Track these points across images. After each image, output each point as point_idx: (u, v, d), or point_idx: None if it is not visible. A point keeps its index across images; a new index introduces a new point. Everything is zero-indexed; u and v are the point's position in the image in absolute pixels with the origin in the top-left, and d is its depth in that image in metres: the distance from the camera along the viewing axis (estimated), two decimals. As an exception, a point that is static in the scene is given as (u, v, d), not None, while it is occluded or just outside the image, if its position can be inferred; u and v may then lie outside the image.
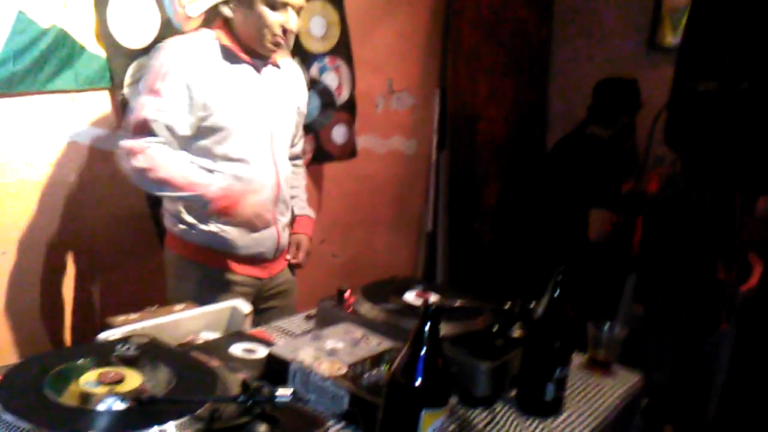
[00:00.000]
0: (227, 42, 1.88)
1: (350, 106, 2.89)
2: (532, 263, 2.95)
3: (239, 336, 1.51)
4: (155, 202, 2.16)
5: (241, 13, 1.86)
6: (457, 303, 1.55)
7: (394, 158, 3.36)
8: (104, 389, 0.99)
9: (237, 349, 1.43)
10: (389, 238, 3.45)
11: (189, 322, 1.56)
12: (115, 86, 2.13)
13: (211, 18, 2.30)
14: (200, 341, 1.48)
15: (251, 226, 1.90)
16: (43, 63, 1.97)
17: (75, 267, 2.21)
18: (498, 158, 3.59)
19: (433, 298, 1.59)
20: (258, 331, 1.64)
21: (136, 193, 2.16)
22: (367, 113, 3.07)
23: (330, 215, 3.07)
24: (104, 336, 1.35)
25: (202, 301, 1.73)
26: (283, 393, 0.95)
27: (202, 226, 1.92)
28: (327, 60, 2.75)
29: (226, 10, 1.89)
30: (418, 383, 0.89)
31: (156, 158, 1.78)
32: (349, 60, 2.82)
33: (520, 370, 1.35)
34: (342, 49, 2.78)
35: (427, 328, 0.91)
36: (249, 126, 1.91)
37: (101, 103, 2.14)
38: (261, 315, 2.01)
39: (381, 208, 3.38)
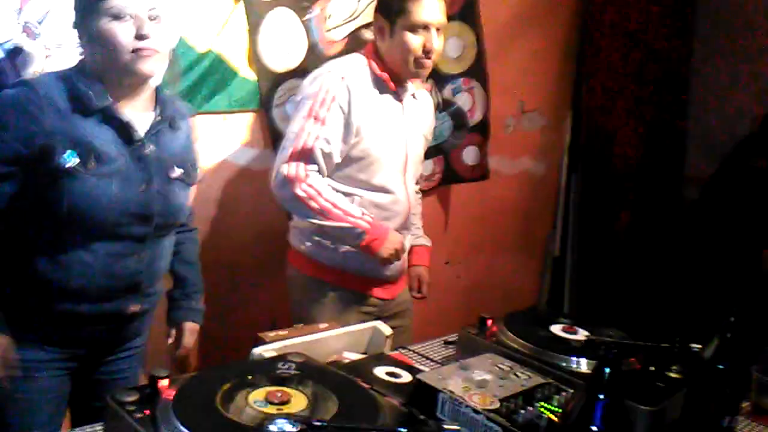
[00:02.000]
0: (378, 70, 1.92)
1: (483, 127, 2.87)
2: (679, 298, 2.81)
3: (382, 358, 1.52)
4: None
5: (386, 41, 1.90)
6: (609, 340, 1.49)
7: (522, 180, 3.30)
8: (273, 409, 1.01)
9: (381, 372, 1.43)
10: (514, 262, 3.38)
11: (333, 341, 1.58)
12: (263, 108, 2.23)
13: (353, 42, 2.37)
14: (346, 361, 1.50)
15: (386, 263, 1.92)
16: (200, 85, 2.09)
17: (216, 281, 2.31)
18: (634, 182, 3.43)
19: (582, 333, 1.53)
20: (397, 354, 1.64)
21: (278, 212, 2.23)
22: (497, 134, 3.03)
23: (456, 236, 3.06)
24: (258, 351, 1.39)
25: (324, 321, 1.74)
26: (451, 428, 0.93)
27: (332, 247, 1.95)
28: (461, 81, 2.75)
29: (368, 34, 1.94)
30: (595, 431, 0.85)
31: (316, 187, 1.83)
32: (483, 81, 2.80)
33: (682, 416, 1.27)
34: (477, 71, 2.77)
35: (606, 372, 0.86)
36: (389, 154, 1.95)
37: (250, 123, 2.24)
38: None
39: (507, 230, 3.32)
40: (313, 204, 1.83)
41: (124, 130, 1.45)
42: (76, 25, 1.46)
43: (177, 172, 1.55)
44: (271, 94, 2.23)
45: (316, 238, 1.97)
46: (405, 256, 2.07)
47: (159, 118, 1.52)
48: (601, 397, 0.85)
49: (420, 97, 2.09)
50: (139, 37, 1.40)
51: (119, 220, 1.45)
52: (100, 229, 1.45)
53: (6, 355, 1.43)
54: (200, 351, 2.28)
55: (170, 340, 1.77)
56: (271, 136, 2.26)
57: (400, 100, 1.98)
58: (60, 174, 1.38)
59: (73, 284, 1.46)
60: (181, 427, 0.96)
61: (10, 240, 1.48)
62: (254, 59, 2.17)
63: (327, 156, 1.86)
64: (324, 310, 1.97)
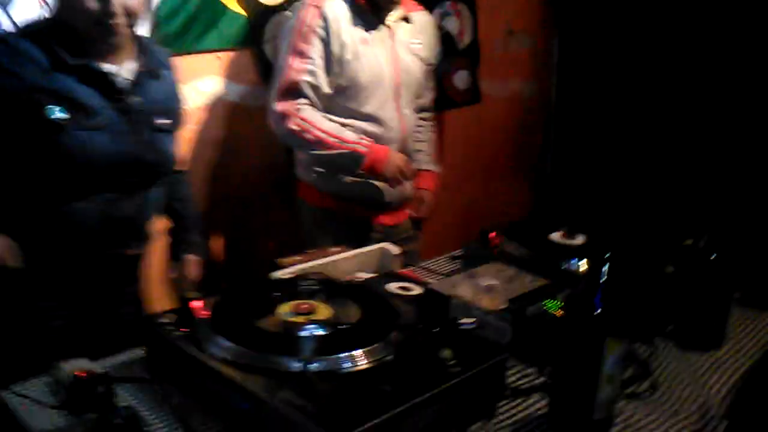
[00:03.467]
0: None
1: (472, 50, 2.88)
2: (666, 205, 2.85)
3: (393, 276, 1.60)
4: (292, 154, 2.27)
5: None
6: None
7: (513, 101, 3.33)
8: (301, 318, 1.09)
9: (393, 287, 1.51)
10: (507, 182, 3.45)
11: (345, 263, 1.66)
12: (255, 44, 2.23)
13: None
14: (360, 280, 1.58)
15: (394, 183, 1.97)
16: (191, 25, 2.10)
17: (227, 216, 2.37)
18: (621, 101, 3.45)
19: (581, 238, 1.61)
20: (407, 271, 1.72)
21: (278, 145, 2.27)
22: (485, 57, 3.04)
23: (451, 161, 3.10)
24: (279, 274, 1.47)
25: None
26: (467, 320, 1.02)
27: (334, 176, 2.01)
28: (448, 5, 2.74)
29: None
30: (602, 312, 0.93)
31: (308, 119, 1.89)
32: (470, 3, 2.79)
33: (679, 305, 1.36)
34: (463, -7, 2.77)
35: (606, 254, 0.93)
36: (377, 81, 1.96)
37: (243, 60, 2.25)
38: None
39: (499, 151, 3.37)
40: (308, 136, 1.90)
41: (105, 85, 1.46)
42: None
43: (163, 120, 1.57)
44: (261, 30, 2.23)
45: (319, 169, 2.02)
46: (406, 183, 2.11)
47: (142, 68, 1.52)
48: (602, 278, 0.92)
49: (415, 19, 2.08)
50: (105, 13, 1.38)
51: (114, 171, 1.49)
52: (96, 180, 1.48)
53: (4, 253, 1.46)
54: (218, 280, 2.37)
55: (174, 275, 1.81)
56: (264, 71, 2.28)
57: (386, 25, 1.98)
58: (49, 128, 1.40)
59: (74, 231, 1.50)
60: (223, 341, 1.04)
61: (12, 194, 1.49)
62: (243, -6, 2.17)
63: (315, 88, 1.91)
64: (331, 238, 2.01)
